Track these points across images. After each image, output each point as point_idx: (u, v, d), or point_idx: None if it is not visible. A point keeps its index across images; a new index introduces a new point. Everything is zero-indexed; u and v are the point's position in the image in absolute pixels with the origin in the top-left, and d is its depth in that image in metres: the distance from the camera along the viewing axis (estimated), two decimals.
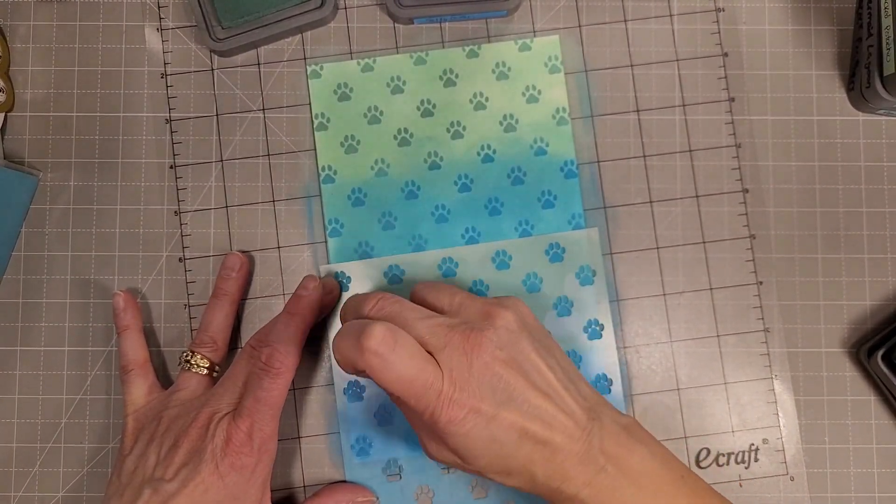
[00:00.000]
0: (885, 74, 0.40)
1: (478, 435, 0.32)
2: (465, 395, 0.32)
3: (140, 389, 0.40)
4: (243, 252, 0.43)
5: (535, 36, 0.44)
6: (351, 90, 0.44)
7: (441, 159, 0.43)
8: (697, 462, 0.42)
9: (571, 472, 0.33)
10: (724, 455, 0.42)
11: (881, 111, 0.43)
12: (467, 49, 0.44)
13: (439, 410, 0.32)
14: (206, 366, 0.40)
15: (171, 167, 0.44)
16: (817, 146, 0.44)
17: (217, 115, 0.44)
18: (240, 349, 0.41)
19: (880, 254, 0.43)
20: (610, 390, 0.42)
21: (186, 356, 0.40)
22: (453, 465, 0.35)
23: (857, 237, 0.43)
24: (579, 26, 0.44)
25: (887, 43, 0.40)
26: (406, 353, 0.32)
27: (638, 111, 0.44)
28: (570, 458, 0.33)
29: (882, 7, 0.41)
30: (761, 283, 0.43)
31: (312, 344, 0.43)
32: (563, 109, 0.44)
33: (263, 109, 0.44)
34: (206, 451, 0.35)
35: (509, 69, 0.44)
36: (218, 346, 0.40)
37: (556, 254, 0.43)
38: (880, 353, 0.41)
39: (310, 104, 0.44)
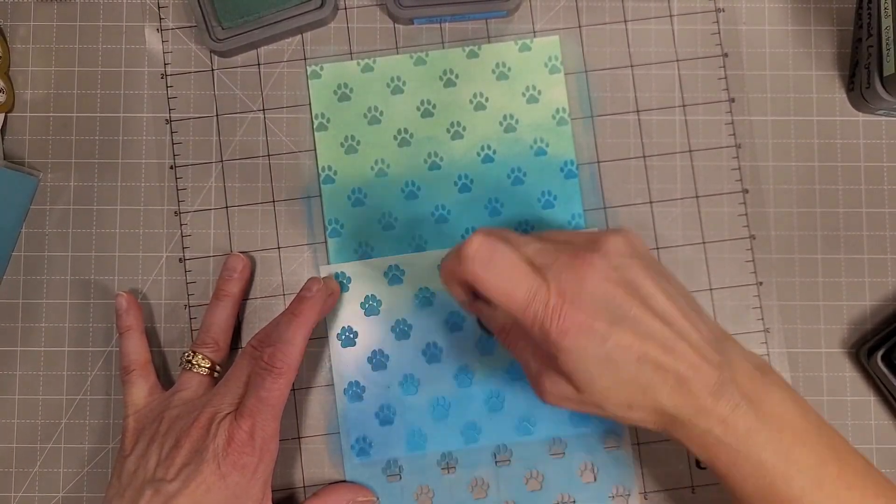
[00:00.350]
0: (885, 75, 0.40)
1: (593, 353, 0.30)
2: (575, 309, 0.30)
3: (141, 390, 0.40)
4: (244, 253, 0.43)
5: (535, 36, 0.44)
6: (351, 90, 0.44)
7: (441, 160, 0.43)
8: (698, 463, 0.42)
9: (705, 403, 0.31)
10: None
11: (881, 111, 0.43)
12: (467, 49, 0.44)
13: (549, 321, 0.30)
14: (208, 366, 0.40)
15: (171, 167, 0.44)
16: (817, 146, 0.44)
17: (217, 115, 0.44)
18: (241, 350, 0.41)
19: (880, 254, 0.43)
20: None
21: (188, 356, 0.40)
22: (569, 401, 0.33)
23: (857, 237, 0.43)
24: (579, 26, 0.44)
25: (887, 43, 0.40)
26: (508, 261, 0.31)
27: (638, 111, 0.44)
28: (701, 388, 0.31)
29: (882, 7, 0.41)
30: (761, 283, 0.43)
31: (313, 344, 0.43)
32: (563, 110, 0.44)
33: (263, 109, 0.44)
34: (208, 451, 0.35)
35: (509, 69, 0.44)
36: (219, 347, 0.40)
37: None
38: (880, 353, 0.41)
39: (310, 104, 0.44)
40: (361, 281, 0.43)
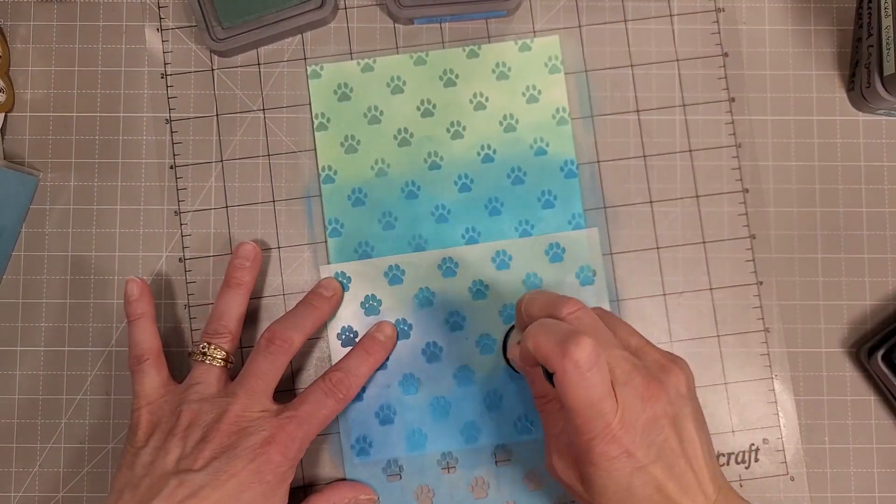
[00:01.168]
0: (885, 74, 0.40)
1: (618, 478, 0.32)
2: (627, 437, 0.32)
3: (153, 381, 0.39)
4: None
5: (534, 36, 0.44)
6: (351, 90, 0.44)
7: (441, 159, 0.43)
8: None
9: None
10: (724, 455, 0.42)
11: (881, 111, 0.43)
12: (467, 49, 0.44)
13: (599, 441, 0.32)
14: (222, 357, 0.39)
15: (171, 167, 0.44)
16: (817, 146, 0.44)
17: (217, 115, 0.44)
18: (256, 343, 0.40)
19: (880, 254, 0.43)
20: None
21: (202, 347, 0.39)
22: (570, 487, 0.35)
23: (857, 237, 0.43)
24: (579, 26, 0.44)
25: (887, 43, 0.40)
26: (600, 376, 0.31)
27: (638, 111, 0.44)
28: None
29: (882, 7, 0.41)
30: (761, 283, 0.43)
31: (312, 344, 0.43)
32: (563, 109, 0.44)
33: (263, 109, 0.44)
34: (242, 447, 0.35)
35: (509, 69, 0.44)
36: (232, 336, 0.40)
37: (555, 254, 0.43)
38: (880, 353, 0.41)
39: (310, 104, 0.44)
40: (361, 281, 0.43)
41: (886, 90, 0.40)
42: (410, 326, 0.42)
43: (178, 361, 0.42)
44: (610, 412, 0.32)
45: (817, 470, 0.42)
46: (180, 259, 0.43)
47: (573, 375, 0.31)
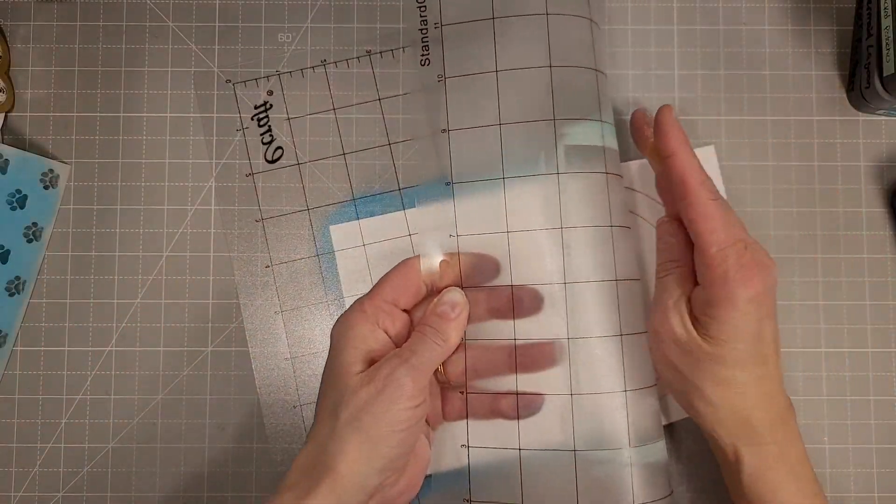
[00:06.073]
0: (884, 74, 0.40)
1: (750, 320, 0.34)
2: (763, 278, 0.34)
3: None
4: None
5: None
6: None
7: None
8: None
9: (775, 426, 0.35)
10: None
11: (881, 111, 0.43)
12: None
13: (739, 259, 0.33)
14: None
15: (172, 167, 0.44)
16: (817, 146, 0.44)
17: (216, 114, 0.44)
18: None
19: (880, 254, 0.43)
20: None
21: None
22: (675, 366, 0.35)
23: (857, 237, 0.43)
24: None
25: (887, 43, 0.40)
26: (727, 205, 0.35)
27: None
28: (777, 414, 0.35)
29: (882, 7, 0.41)
30: None
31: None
32: None
33: (265, 110, 0.44)
34: None
35: None
36: None
37: None
38: None
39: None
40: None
41: (886, 90, 0.40)
42: None
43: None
44: (741, 242, 0.34)
45: (817, 470, 0.42)
46: (181, 259, 0.43)
47: (703, 201, 0.35)
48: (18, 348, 0.43)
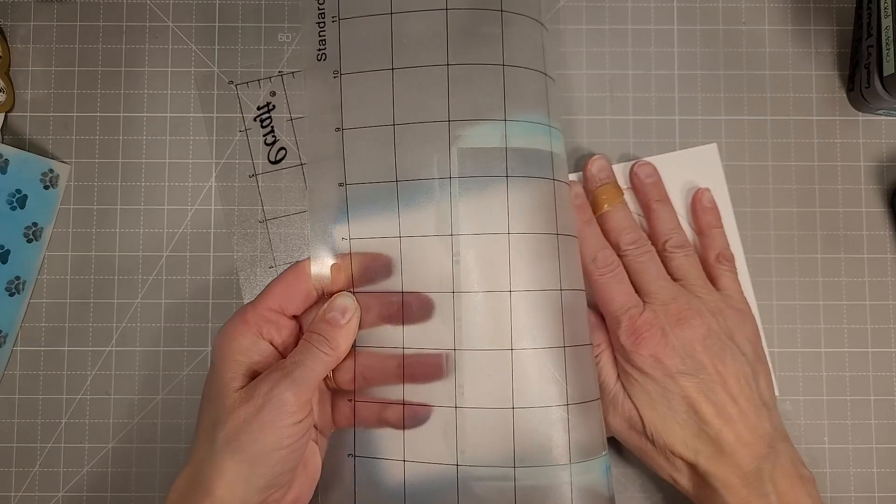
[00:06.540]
0: (884, 74, 0.40)
1: (653, 386, 0.33)
2: (658, 339, 0.33)
3: None
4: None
5: None
6: None
7: None
8: None
9: (733, 482, 0.33)
10: None
11: (881, 111, 0.43)
12: None
13: (631, 324, 0.34)
14: None
15: (172, 167, 0.44)
16: (817, 146, 0.44)
17: (216, 114, 0.44)
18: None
19: (880, 254, 0.43)
20: None
21: None
22: (627, 430, 0.35)
23: (857, 237, 0.43)
24: (580, 27, 0.44)
25: (887, 43, 0.40)
26: (620, 276, 0.35)
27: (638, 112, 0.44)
28: (736, 468, 0.33)
29: (882, 7, 0.41)
30: (762, 283, 0.43)
31: None
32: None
33: (266, 111, 0.44)
34: None
35: None
36: None
37: None
38: None
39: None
40: None
41: (886, 90, 0.40)
42: None
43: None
44: (637, 306, 0.34)
45: (817, 470, 0.42)
46: (181, 259, 0.43)
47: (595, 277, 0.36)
48: (18, 348, 0.43)
